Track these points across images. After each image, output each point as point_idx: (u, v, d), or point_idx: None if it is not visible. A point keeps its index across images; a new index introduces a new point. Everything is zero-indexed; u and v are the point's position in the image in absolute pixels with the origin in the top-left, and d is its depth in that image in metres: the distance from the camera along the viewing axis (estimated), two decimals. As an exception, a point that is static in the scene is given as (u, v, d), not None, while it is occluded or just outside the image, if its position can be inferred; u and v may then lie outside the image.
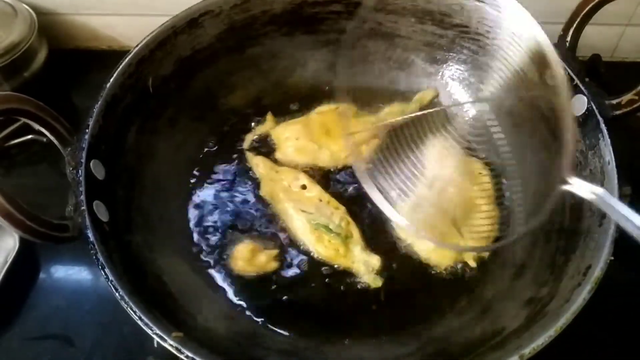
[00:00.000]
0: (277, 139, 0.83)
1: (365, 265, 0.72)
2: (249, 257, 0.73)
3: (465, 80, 0.84)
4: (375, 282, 0.71)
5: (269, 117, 0.85)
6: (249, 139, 0.84)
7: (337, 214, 0.75)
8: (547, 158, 0.74)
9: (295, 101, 0.87)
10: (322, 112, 0.85)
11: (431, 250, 0.73)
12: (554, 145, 0.74)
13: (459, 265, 0.72)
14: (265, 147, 0.83)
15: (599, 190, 0.55)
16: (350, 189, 0.79)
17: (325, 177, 0.80)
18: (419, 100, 0.85)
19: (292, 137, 0.82)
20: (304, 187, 0.78)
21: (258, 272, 0.72)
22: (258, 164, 0.81)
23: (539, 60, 0.73)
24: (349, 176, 0.80)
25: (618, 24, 0.94)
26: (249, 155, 0.82)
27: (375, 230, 0.75)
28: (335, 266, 0.73)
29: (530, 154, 0.77)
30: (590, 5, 0.71)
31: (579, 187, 0.56)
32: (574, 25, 0.72)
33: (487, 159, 0.78)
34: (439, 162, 0.75)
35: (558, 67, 0.58)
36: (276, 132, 0.84)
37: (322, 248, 0.73)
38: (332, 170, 0.81)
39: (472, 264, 0.72)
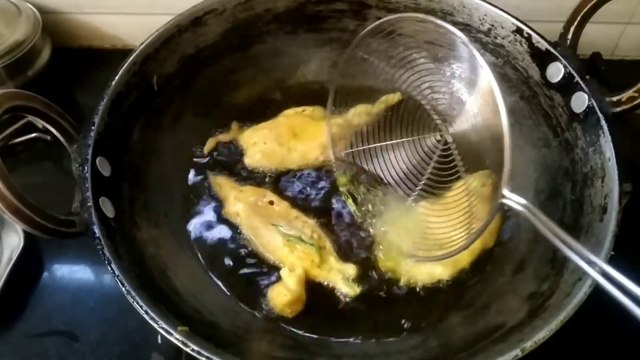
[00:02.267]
0: (245, 144, 0.82)
1: (341, 274, 0.72)
2: None
3: (467, 78, 0.84)
4: (353, 289, 0.71)
5: (234, 125, 0.84)
6: (210, 145, 0.82)
7: (308, 227, 0.75)
8: (548, 154, 0.75)
9: (298, 99, 0.87)
10: (288, 115, 0.85)
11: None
12: (554, 141, 0.75)
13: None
14: (232, 155, 0.83)
15: (524, 201, 0.57)
16: (317, 202, 0.79)
17: (290, 191, 0.80)
18: (384, 101, 0.85)
19: (259, 142, 0.81)
20: (271, 202, 0.77)
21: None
22: (221, 185, 0.80)
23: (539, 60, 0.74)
24: (314, 190, 0.80)
25: (618, 22, 0.95)
26: (211, 175, 0.81)
27: (348, 240, 0.76)
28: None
29: (531, 151, 0.78)
30: (590, 4, 0.72)
31: (513, 200, 0.58)
32: (575, 24, 0.73)
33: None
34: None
35: (496, 90, 0.59)
36: (243, 137, 0.83)
37: (296, 260, 0.72)
38: (298, 184, 0.80)
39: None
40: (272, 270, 0.73)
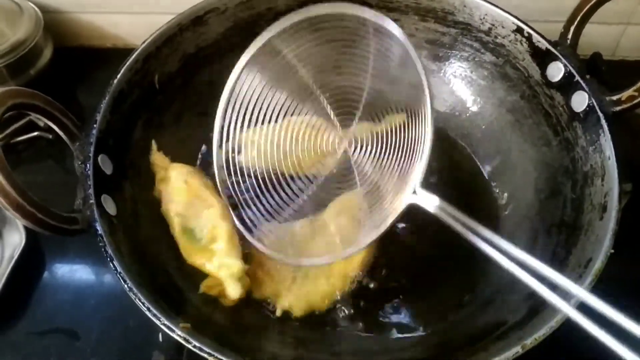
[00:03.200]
0: (244, 142, 0.80)
1: (225, 271, 0.66)
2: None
3: (467, 78, 0.85)
4: (234, 290, 0.65)
5: None
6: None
7: (207, 214, 0.70)
8: (548, 153, 0.75)
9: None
10: (292, 121, 0.81)
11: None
12: (554, 140, 0.75)
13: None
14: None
15: (437, 200, 0.56)
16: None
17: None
18: (388, 120, 0.79)
19: (257, 142, 0.78)
20: (185, 182, 0.72)
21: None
22: (154, 161, 0.76)
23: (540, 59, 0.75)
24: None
25: (619, 22, 0.95)
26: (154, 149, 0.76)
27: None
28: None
29: (531, 150, 0.78)
30: (590, 4, 0.72)
31: (423, 198, 0.57)
32: (575, 24, 0.73)
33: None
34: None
35: (427, 100, 0.58)
36: (244, 135, 0.80)
37: (196, 259, 0.68)
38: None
39: None
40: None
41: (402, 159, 0.67)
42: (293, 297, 0.68)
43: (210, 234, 0.69)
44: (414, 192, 0.58)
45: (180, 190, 0.72)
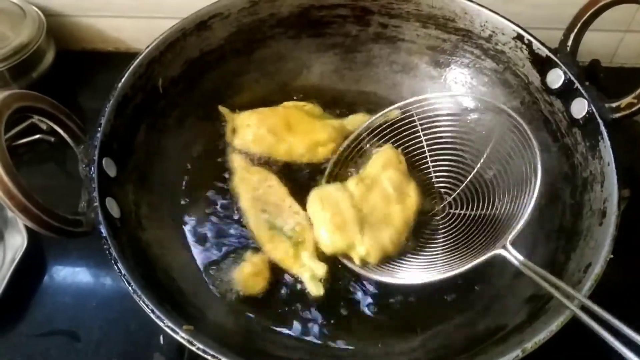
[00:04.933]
0: (239, 125, 0.83)
1: (309, 272, 0.72)
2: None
3: (468, 84, 0.85)
4: (317, 289, 0.71)
5: (222, 109, 0.84)
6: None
7: (295, 219, 0.76)
8: (548, 159, 0.76)
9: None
10: (287, 106, 0.85)
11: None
12: (554, 146, 0.76)
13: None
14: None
15: (524, 260, 0.62)
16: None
17: (293, 180, 0.80)
18: (384, 115, 0.84)
19: (252, 125, 0.82)
20: (270, 187, 0.79)
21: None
22: (234, 160, 0.82)
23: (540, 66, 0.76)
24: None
25: (617, 30, 0.96)
26: (231, 150, 0.83)
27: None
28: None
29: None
30: (590, 12, 0.73)
31: (513, 255, 0.62)
32: (575, 31, 0.74)
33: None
34: (378, 165, 0.78)
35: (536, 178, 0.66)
36: (239, 118, 0.83)
37: (272, 248, 0.74)
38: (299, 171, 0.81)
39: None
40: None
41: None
42: (367, 245, 0.71)
43: (298, 235, 0.75)
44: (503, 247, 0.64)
45: (268, 191, 0.78)
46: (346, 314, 0.70)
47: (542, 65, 0.75)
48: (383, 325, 0.70)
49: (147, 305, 0.56)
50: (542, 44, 0.75)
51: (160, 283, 0.65)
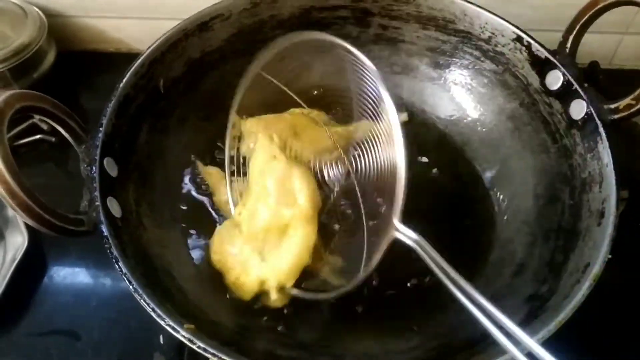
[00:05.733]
0: (245, 132, 0.82)
1: (328, 265, 0.71)
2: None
3: (467, 85, 0.86)
4: (339, 281, 0.69)
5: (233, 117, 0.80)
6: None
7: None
8: (546, 160, 0.76)
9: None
10: (294, 113, 0.85)
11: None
12: (552, 147, 0.76)
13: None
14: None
15: (415, 236, 0.58)
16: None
17: None
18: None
19: (258, 133, 0.79)
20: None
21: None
22: (211, 174, 0.80)
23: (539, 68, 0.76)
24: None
25: (616, 32, 0.97)
26: (200, 165, 0.81)
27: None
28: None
29: (530, 157, 0.79)
30: (589, 14, 0.73)
31: (405, 233, 0.59)
32: (574, 33, 0.74)
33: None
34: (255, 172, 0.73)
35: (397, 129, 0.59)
36: (245, 125, 0.82)
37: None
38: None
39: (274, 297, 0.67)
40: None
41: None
42: (274, 274, 0.67)
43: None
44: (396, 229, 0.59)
45: None
46: (346, 313, 0.71)
47: (541, 66, 0.76)
48: (382, 325, 0.70)
49: (148, 304, 0.57)
50: (542, 45, 0.75)
51: (161, 282, 0.65)
